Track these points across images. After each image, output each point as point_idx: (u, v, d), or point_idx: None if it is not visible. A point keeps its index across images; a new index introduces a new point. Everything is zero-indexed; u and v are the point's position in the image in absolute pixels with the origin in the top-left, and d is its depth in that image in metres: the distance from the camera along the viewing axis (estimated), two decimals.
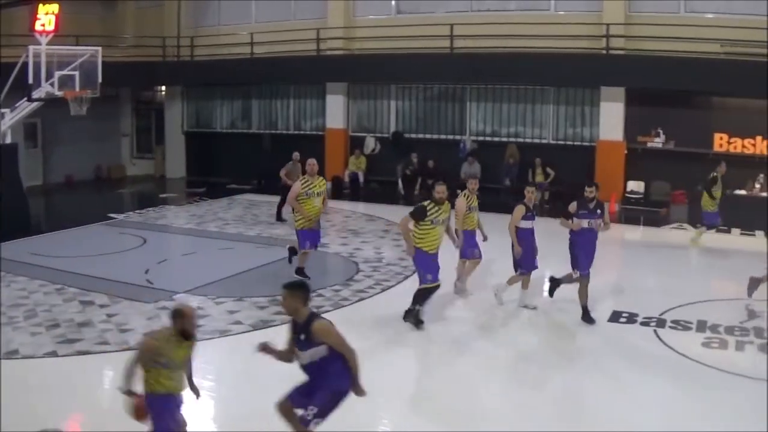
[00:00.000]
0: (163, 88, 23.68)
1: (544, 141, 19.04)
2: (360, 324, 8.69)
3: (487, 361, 8.04)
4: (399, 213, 15.40)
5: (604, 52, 17.71)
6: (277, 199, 15.55)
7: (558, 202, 15.61)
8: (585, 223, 8.91)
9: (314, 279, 10.39)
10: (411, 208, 8.85)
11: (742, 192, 16.79)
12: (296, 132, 21.76)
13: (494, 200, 18.20)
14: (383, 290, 10.40)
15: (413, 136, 20.20)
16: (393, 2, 20.28)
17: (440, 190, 8.61)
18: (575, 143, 18.69)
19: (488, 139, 19.47)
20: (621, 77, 17.45)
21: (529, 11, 18.58)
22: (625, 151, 17.83)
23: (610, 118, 17.83)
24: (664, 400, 6.98)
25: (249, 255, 12.56)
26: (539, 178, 17.93)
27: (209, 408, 6.53)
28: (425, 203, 8.64)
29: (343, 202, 18.24)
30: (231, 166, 21.80)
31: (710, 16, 17.67)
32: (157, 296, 9.87)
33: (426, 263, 8.68)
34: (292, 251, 11.05)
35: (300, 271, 10.58)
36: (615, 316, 9.33)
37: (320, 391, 5.07)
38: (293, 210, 10.53)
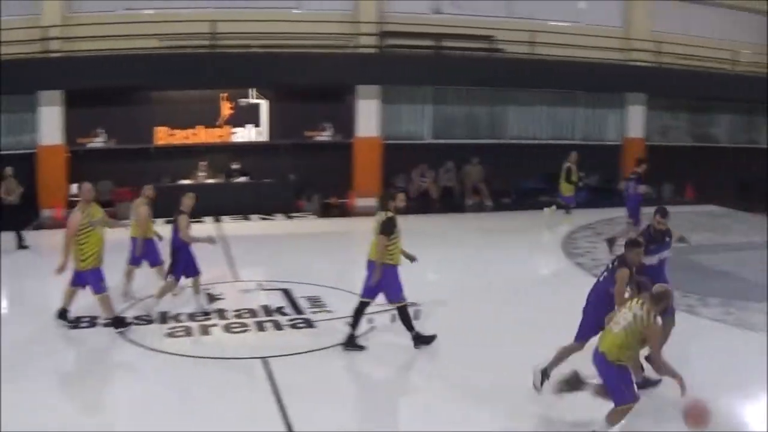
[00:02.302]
0: None
1: None
2: None
3: None
4: None
5: (41, 55, 20.47)
6: None
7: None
8: (655, 260, 9.05)
9: None
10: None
11: (188, 181, 20.83)
12: None
13: None
14: None
15: None
16: None
17: (403, 197, 9.66)
18: (14, 152, 21.01)
19: None
20: (58, 80, 20.29)
21: None
22: (68, 154, 20.99)
23: (49, 123, 20.70)
24: (143, 398, 8.12)
25: None
26: None
27: None
28: (390, 215, 9.38)
29: None
30: None
31: (149, 12, 21.68)
32: None
33: (397, 278, 9.47)
34: (63, 313, 10.47)
35: (120, 321, 10.35)
36: (76, 322, 10.46)
37: None
38: (77, 248, 10.05)
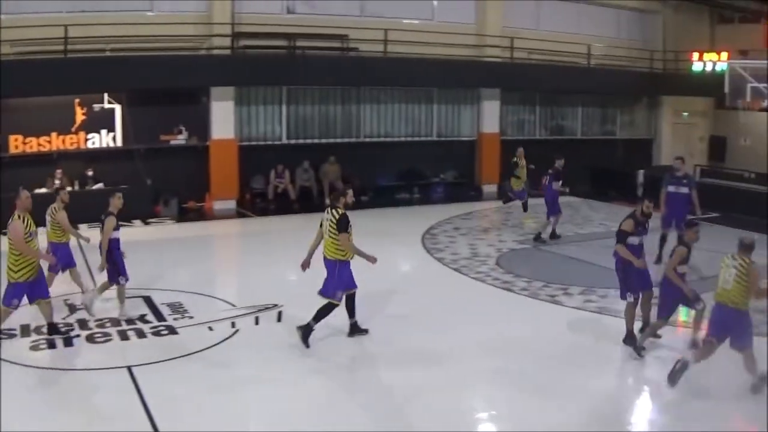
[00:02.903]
0: None
1: None
2: None
3: None
4: None
5: None
6: None
7: None
8: (637, 241, 10.93)
9: None
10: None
11: (43, 190, 21.26)
12: None
13: None
14: None
15: None
16: None
17: (352, 194, 11.25)
18: None
19: None
20: None
21: None
22: None
23: None
24: (5, 413, 8.40)
25: None
26: None
27: None
28: (343, 212, 10.79)
29: None
30: None
31: (3, 17, 21.72)
32: None
33: (350, 273, 10.93)
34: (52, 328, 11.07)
35: None
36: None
37: None
38: (13, 258, 10.47)
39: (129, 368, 9.76)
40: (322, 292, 10.92)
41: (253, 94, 24.52)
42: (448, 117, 27.95)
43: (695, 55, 29.49)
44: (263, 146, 24.63)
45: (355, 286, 11.06)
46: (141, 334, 11.24)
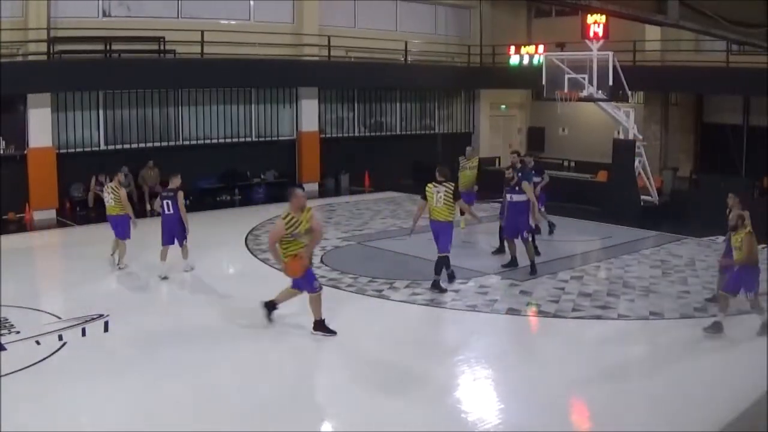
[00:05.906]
0: None
1: None
2: None
3: None
4: None
5: None
6: None
7: None
8: (509, 198, 17.12)
9: None
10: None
11: None
12: None
13: None
14: None
15: None
16: None
17: (444, 173, 15.68)
18: None
19: None
20: None
21: None
22: None
23: None
24: None
25: None
26: None
27: None
28: (454, 185, 15.73)
29: None
30: None
31: None
32: None
33: (452, 233, 15.84)
34: (321, 326, 13.00)
35: (271, 306, 13.37)
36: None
37: None
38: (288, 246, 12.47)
39: None
40: (440, 250, 15.76)
41: (71, 100, 27.19)
42: (267, 117, 31.71)
43: (512, 49, 34.29)
44: (82, 153, 26.98)
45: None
46: None
